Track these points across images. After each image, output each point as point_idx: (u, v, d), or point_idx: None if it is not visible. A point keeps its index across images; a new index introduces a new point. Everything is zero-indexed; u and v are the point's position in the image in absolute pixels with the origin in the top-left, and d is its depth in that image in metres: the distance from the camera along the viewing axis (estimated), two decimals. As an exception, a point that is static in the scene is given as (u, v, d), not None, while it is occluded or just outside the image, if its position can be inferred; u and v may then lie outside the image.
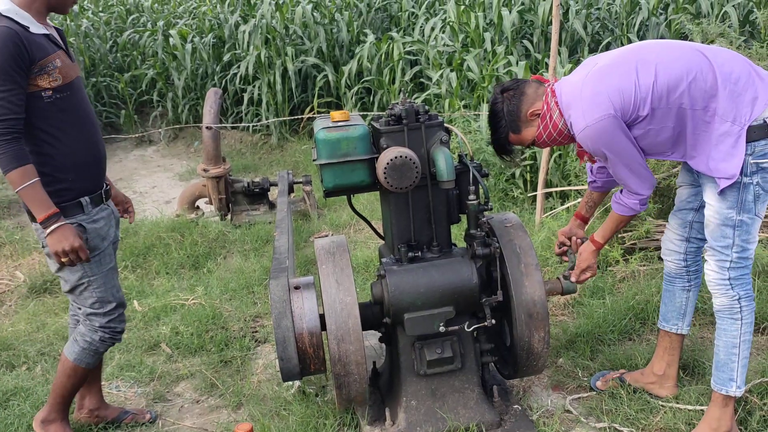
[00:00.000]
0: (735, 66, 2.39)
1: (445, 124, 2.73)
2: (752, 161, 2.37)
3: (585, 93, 2.47)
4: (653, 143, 2.48)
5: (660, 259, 4.05)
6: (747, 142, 2.34)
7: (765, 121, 2.35)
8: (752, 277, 3.59)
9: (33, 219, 2.53)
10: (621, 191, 2.62)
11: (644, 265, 3.95)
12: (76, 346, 2.71)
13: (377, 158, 2.59)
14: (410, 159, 2.50)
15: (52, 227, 2.42)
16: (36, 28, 2.44)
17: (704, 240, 2.63)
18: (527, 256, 2.65)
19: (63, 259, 2.47)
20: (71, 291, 2.66)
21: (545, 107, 2.55)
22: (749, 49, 5.10)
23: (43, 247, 2.59)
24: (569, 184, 4.95)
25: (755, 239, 2.49)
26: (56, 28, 2.61)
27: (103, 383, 3.36)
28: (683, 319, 2.86)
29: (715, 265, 2.53)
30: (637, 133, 2.45)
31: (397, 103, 2.68)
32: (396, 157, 2.48)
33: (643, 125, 2.43)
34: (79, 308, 2.71)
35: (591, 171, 2.87)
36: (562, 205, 4.73)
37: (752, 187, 2.40)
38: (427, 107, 2.67)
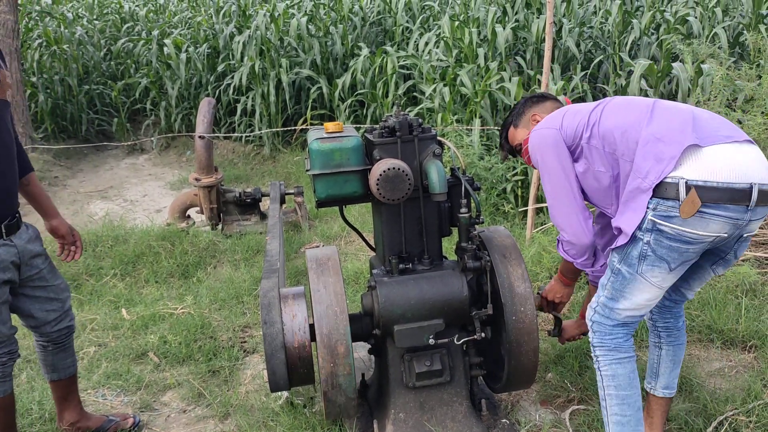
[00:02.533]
0: (669, 122, 2.20)
1: (438, 138, 2.74)
2: (651, 217, 2.15)
3: (549, 115, 2.57)
4: (595, 189, 2.42)
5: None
6: (653, 196, 2.13)
7: (678, 182, 2.08)
8: (738, 295, 3.64)
9: None
10: None
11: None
12: None
13: (370, 170, 2.60)
14: (403, 171, 2.51)
15: None
16: None
17: (674, 296, 2.54)
18: (516, 265, 2.66)
19: None
20: None
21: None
22: (738, 70, 5.17)
23: None
24: (560, 200, 4.97)
25: (632, 299, 2.28)
26: None
27: (89, 391, 3.34)
28: (656, 379, 2.65)
29: (590, 302, 2.46)
30: (579, 169, 2.42)
31: (391, 116, 2.70)
32: (389, 169, 2.49)
33: (584, 161, 2.40)
34: None
35: (589, 272, 2.80)
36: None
37: (641, 244, 2.19)
38: (420, 120, 2.68)
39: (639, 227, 2.18)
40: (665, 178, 2.10)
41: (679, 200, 2.08)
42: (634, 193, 2.21)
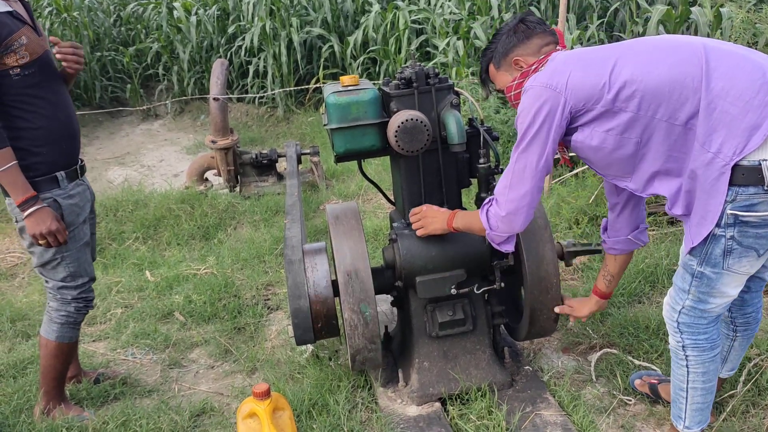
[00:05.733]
0: (738, 79, 1.87)
1: (456, 88, 2.71)
2: (730, 211, 1.89)
3: (555, 60, 2.15)
4: (612, 159, 2.08)
5: (669, 223, 4.06)
6: (729, 185, 1.87)
7: (761, 164, 1.83)
8: None
9: (5, 194, 2.51)
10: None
11: (653, 230, 3.96)
12: (54, 324, 2.70)
13: (388, 122, 2.59)
14: (421, 122, 2.49)
15: (30, 210, 2.43)
16: (1, 6, 2.40)
17: (752, 284, 2.30)
18: (537, 217, 2.66)
19: (41, 242, 2.48)
20: (43, 266, 2.63)
21: (534, 66, 2.22)
22: (759, 12, 5.04)
23: (16, 222, 2.58)
24: (578, 151, 4.94)
25: (722, 294, 2.08)
26: (22, 1, 2.55)
27: (118, 350, 3.42)
28: (723, 364, 2.51)
29: (668, 301, 2.24)
30: (591, 139, 2.06)
31: (407, 67, 2.67)
32: (407, 120, 2.48)
33: (599, 127, 2.04)
34: (47, 282, 2.68)
35: (604, 228, 2.52)
36: (570, 171, 4.72)
37: (723, 241, 1.95)
38: (436, 70, 2.65)
39: (716, 223, 1.93)
40: (741, 160, 1.84)
41: (764, 185, 1.84)
42: (704, 171, 1.90)
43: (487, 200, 2.30)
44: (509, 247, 2.33)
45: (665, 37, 2.08)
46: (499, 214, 2.21)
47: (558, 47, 2.27)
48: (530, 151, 2.10)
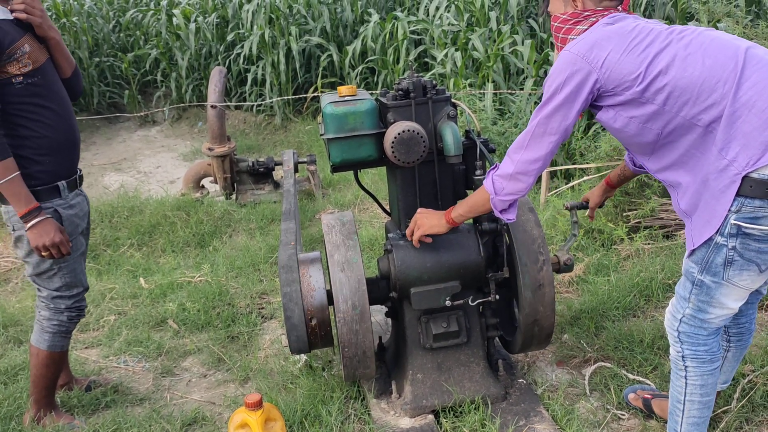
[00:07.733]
0: (766, 91, 1.88)
1: (453, 100, 2.72)
2: (734, 221, 1.92)
3: (604, 30, 2.08)
4: (633, 141, 2.12)
5: (665, 237, 4.07)
6: (736, 194, 1.90)
7: None
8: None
9: (2, 201, 2.49)
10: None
11: (649, 244, 3.96)
12: (45, 333, 2.68)
13: (384, 133, 2.59)
14: (418, 133, 2.49)
15: (33, 222, 2.40)
16: (2, 13, 2.39)
17: (750, 296, 2.30)
18: (533, 229, 2.66)
19: (43, 254, 2.44)
20: (38, 275, 2.60)
21: (587, 14, 2.16)
22: (756, 28, 5.07)
23: (12, 230, 2.55)
24: (574, 164, 4.95)
25: (722, 305, 2.09)
26: None
27: (110, 358, 3.40)
28: None
29: (670, 310, 2.26)
30: (615, 122, 2.10)
31: (405, 79, 2.67)
32: (403, 131, 2.48)
33: (623, 112, 2.06)
34: (40, 290, 2.65)
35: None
36: (566, 184, 4.73)
37: (725, 251, 1.97)
38: (434, 82, 2.66)
39: (719, 231, 1.96)
40: (752, 171, 1.87)
41: None
42: (717, 176, 1.93)
43: (493, 166, 2.29)
44: (511, 216, 2.31)
45: (713, 34, 2.02)
46: (507, 173, 2.19)
47: (620, 8, 2.21)
48: (553, 118, 2.10)
